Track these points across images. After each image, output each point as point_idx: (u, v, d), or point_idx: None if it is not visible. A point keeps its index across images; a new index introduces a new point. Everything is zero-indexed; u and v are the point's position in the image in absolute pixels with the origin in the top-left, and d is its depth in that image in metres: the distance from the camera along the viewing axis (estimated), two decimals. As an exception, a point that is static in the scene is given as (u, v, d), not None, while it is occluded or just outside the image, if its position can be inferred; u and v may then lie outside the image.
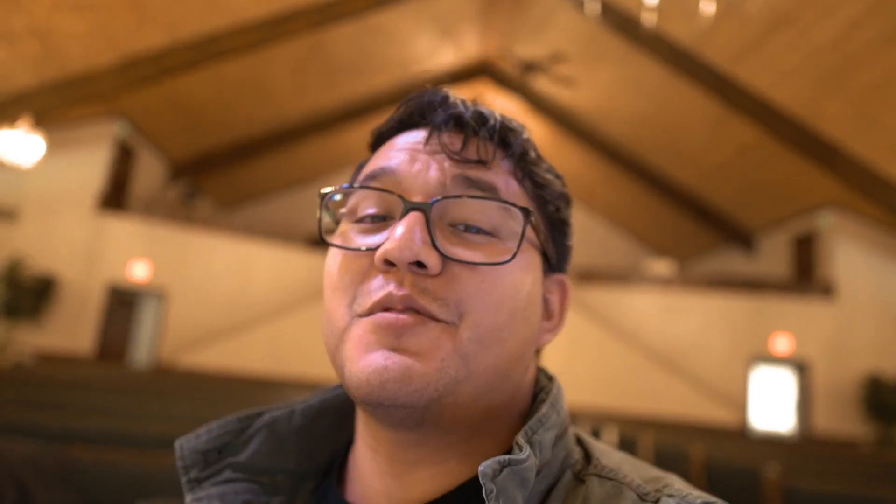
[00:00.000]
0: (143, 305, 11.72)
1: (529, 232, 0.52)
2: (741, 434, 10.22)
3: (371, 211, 0.53)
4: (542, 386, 0.58)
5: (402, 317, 0.46)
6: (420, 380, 0.45)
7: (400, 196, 0.50)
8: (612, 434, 6.84)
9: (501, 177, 0.53)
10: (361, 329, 0.48)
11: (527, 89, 12.81)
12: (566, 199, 0.60)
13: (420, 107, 0.56)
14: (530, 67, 11.17)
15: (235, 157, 13.38)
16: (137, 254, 11.19)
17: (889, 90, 8.20)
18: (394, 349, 0.46)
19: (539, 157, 0.58)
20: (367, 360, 0.46)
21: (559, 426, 0.54)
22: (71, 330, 10.54)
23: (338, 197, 0.56)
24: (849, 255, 11.28)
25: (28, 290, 10.03)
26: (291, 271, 12.08)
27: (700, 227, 13.88)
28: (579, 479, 0.52)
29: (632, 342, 11.75)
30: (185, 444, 0.59)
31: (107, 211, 11.10)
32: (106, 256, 10.99)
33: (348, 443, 0.62)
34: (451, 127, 0.53)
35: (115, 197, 11.38)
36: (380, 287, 0.48)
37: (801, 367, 11.51)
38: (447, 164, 0.52)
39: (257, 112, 12.31)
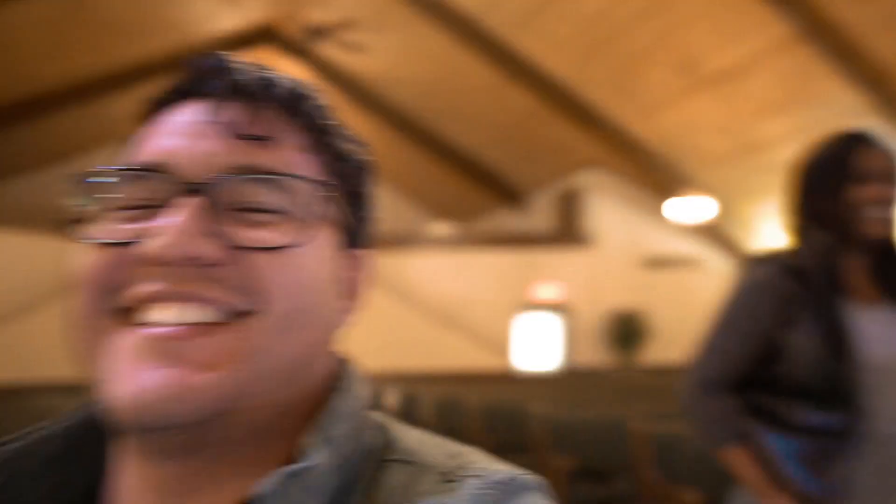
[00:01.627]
0: None
1: (325, 207, 0.47)
2: (511, 377, 11.49)
3: (139, 197, 0.44)
4: (336, 372, 0.50)
5: (176, 329, 0.40)
6: (198, 395, 0.39)
7: (174, 179, 0.43)
8: (394, 395, 7.05)
9: (291, 152, 0.47)
10: (124, 341, 0.41)
11: (313, 56, 12.48)
12: (368, 170, 0.55)
13: (199, 74, 0.48)
14: (318, 32, 10.87)
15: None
16: None
17: (643, 60, 9.41)
18: (165, 365, 0.39)
19: (337, 125, 0.52)
20: (132, 379, 0.39)
21: (356, 415, 0.48)
22: None
23: (98, 180, 0.46)
24: (605, 209, 12.94)
25: None
26: (38, 261, 10.59)
27: (479, 189, 14.80)
28: (380, 467, 0.46)
29: (413, 303, 12.38)
30: None
31: None
32: None
33: (99, 474, 0.50)
34: (233, 98, 0.45)
35: None
36: (144, 283, 0.41)
37: (565, 311, 13.00)
38: (229, 141, 0.44)
39: (5, 75, 10.48)
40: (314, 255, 0.45)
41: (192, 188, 0.41)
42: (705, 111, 9.76)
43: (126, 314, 0.41)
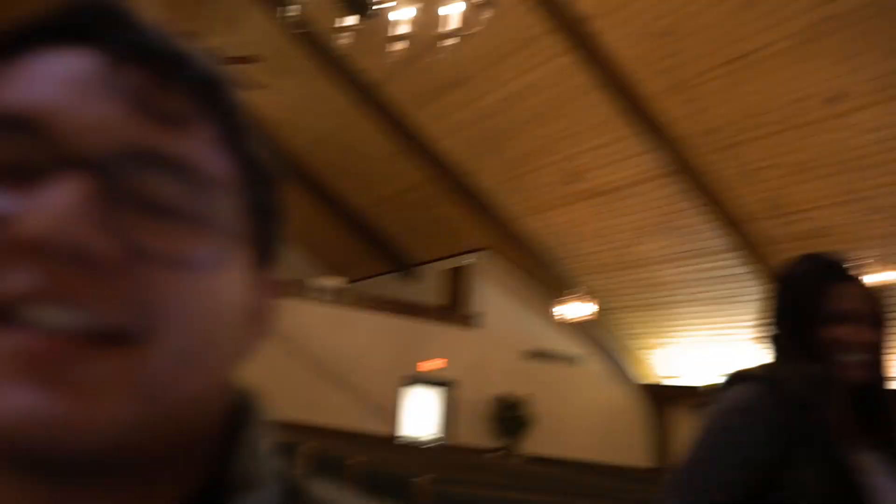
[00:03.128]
0: None
1: (243, 219, 0.38)
2: (394, 443, 11.27)
3: (3, 161, 0.32)
4: (240, 401, 0.42)
5: (60, 339, 0.29)
6: (88, 427, 0.30)
7: (58, 144, 0.31)
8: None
9: (202, 145, 0.35)
10: None
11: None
12: (277, 181, 0.43)
13: (86, 12, 0.36)
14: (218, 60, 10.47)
15: None
16: None
17: (533, 160, 9.58)
18: (48, 383, 0.29)
19: (249, 123, 0.40)
20: (4, 398, 0.29)
21: (271, 454, 0.41)
22: None
23: None
24: (492, 294, 13.09)
25: None
26: None
27: (371, 251, 14.68)
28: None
29: (298, 354, 11.96)
30: None
31: None
32: None
33: None
34: (135, 59, 0.34)
35: None
36: (15, 274, 0.29)
37: (448, 386, 12.94)
38: (130, 111, 0.33)
39: None
40: (228, 277, 0.36)
41: (81, 161, 0.31)
42: (588, 220, 9.96)
43: None
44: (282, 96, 11.30)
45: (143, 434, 0.32)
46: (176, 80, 0.35)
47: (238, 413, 0.41)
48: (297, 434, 8.02)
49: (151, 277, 0.32)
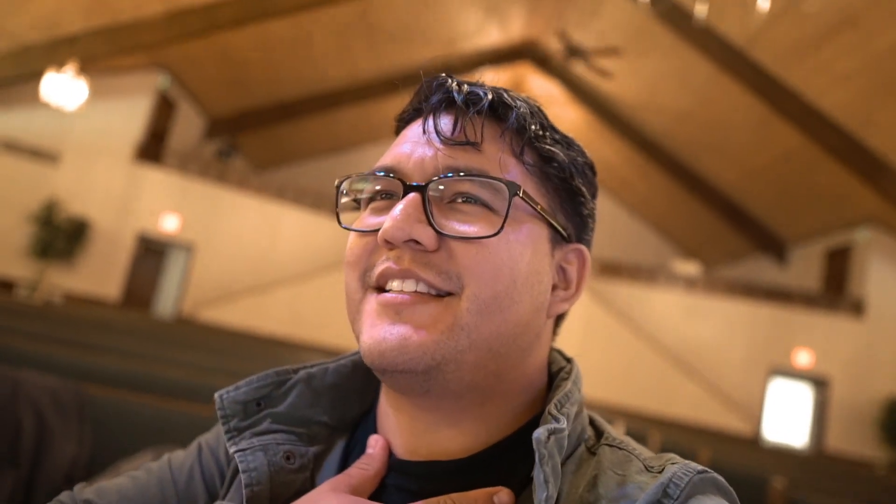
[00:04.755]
0: (171, 257, 11.92)
1: (524, 204, 0.55)
2: (752, 443, 10.12)
3: (381, 192, 0.58)
4: (562, 365, 0.63)
5: (401, 296, 0.52)
6: (416, 349, 0.50)
7: (400, 180, 0.55)
8: (619, 428, 6.82)
9: (493, 155, 0.55)
10: (370, 304, 0.54)
11: (568, 75, 12.63)
12: (581, 169, 0.61)
13: (426, 93, 0.59)
14: (576, 53, 10.96)
15: (273, 118, 13.44)
16: (169, 206, 11.36)
17: None
18: (394, 322, 0.52)
19: (545, 127, 0.59)
20: (372, 332, 0.52)
21: (579, 403, 0.58)
22: (100, 275, 10.78)
23: (354, 184, 0.61)
24: (882, 274, 11.02)
25: (62, 232, 10.26)
26: (318, 237, 12.18)
27: (732, 232, 13.65)
28: (592, 452, 0.56)
29: (649, 340, 11.67)
30: (225, 395, 0.63)
31: (143, 161, 11.27)
32: (139, 206, 11.18)
33: (374, 399, 0.67)
34: (444, 110, 0.57)
35: (153, 148, 11.54)
36: (382, 262, 0.53)
37: (820, 383, 11.33)
38: (441, 148, 0.55)
39: (299, 73, 12.32)
40: (510, 247, 0.53)
41: (412, 186, 0.54)
42: None
43: (374, 288, 0.55)
44: (638, 79, 11.31)
45: (459, 355, 0.51)
46: (468, 116, 0.55)
47: (560, 371, 0.61)
48: (647, 424, 7.80)
49: (453, 252, 0.52)
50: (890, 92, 8.25)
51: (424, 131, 0.57)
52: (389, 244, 0.52)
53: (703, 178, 13.02)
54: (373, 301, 0.54)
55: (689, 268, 13.06)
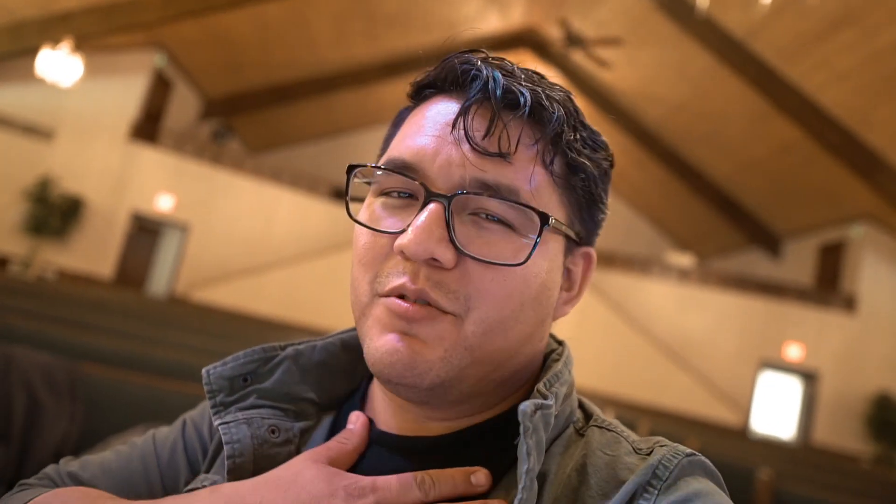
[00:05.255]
0: (165, 237, 11.89)
1: (548, 228, 0.52)
2: (741, 434, 10.21)
3: (397, 189, 0.55)
4: (553, 348, 0.62)
5: (413, 308, 0.50)
6: (424, 365, 0.50)
7: (423, 184, 0.52)
8: (609, 417, 6.83)
9: (524, 169, 0.52)
10: (379, 310, 0.52)
11: (566, 63, 12.59)
12: (605, 173, 0.59)
13: (454, 74, 0.55)
14: (575, 42, 10.91)
15: (269, 101, 13.36)
16: (164, 186, 11.31)
17: None
18: (405, 334, 0.51)
19: (577, 129, 0.56)
20: (382, 340, 0.51)
21: (568, 384, 0.58)
22: (94, 253, 10.74)
23: (369, 175, 0.57)
24: (875, 271, 11.08)
25: (56, 209, 10.21)
26: (313, 220, 12.15)
27: (726, 224, 13.68)
28: (580, 433, 0.56)
29: (642, 331, 11.73)
30: (212, 370, 0.63)
31: (138, 140, 11.20)
32: (133, 185, 11.13)
33: (364, 377, 0.67)
34: (479, 109, 0.52)
35: (148, 127, 11.46)
36: (397, 275, 0.51)
37: (810, 377, 11.41)
38: (470, 154, 0.51)
39: (296, 57, 12.23)
40: (527, 272, 0.52)
41: (437, 197, 0.50)
42: None
43: (382, 290, 0.52)
44: (636, 69, 11.27)
45: (462, 372, 0.51)
46: (504, 121, 0.52)
47: (552, 353, 0.61)
48: (637, 414, 7.87)
49: (472, 273, 0.50)
50: (889, 90, 8.24)
51: (454, 127, 0.52)
52: (408, 255, 0.50)
53: (698, 170, 13.02)
54: (381, 305, 0.52)
55: (683, 259, 13.11)
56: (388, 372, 0.51)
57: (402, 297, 0.51)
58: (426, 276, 0.50)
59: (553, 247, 0.55)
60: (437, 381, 0.50)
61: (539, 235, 0.51)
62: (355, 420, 0.59)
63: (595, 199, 0.58)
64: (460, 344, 0.50)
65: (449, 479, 0.51)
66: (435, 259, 0.49)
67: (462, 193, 0.51)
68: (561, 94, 0.56)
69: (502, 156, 0.51)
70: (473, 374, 0.52)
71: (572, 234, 0.57)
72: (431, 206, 0.50)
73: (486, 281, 0.50)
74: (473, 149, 0.51)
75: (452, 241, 0.50)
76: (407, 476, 0.51)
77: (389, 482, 0.50)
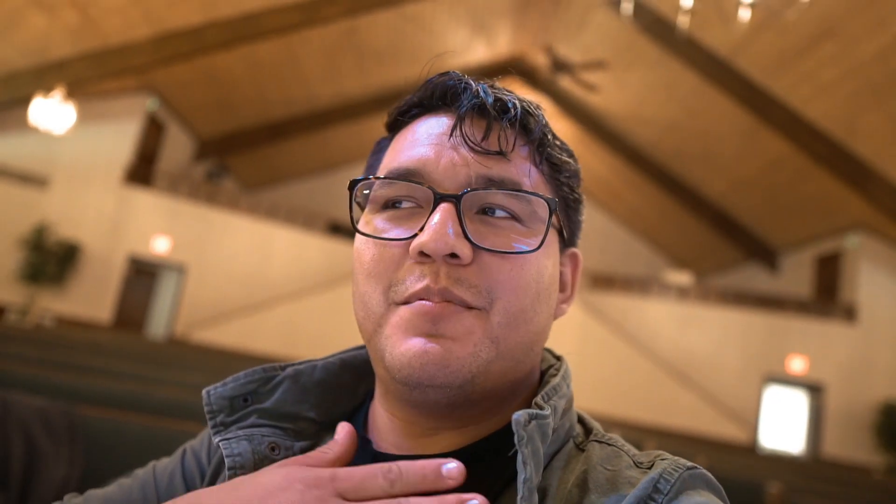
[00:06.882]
0: (163, 279, 11.86)
1: (549, 217, 0.55)
2: (749, 450, 10.10)
3: (399, 199, 0.56)
4: (551, 363, 0.63)
5: (440, 305, 0.50)
6: (457, 363, 0.50)
7: (430, 188, 0.53)
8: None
9: (522, 166, 0.55)
10: (400, 316, 0.52)
11: (555, 89, 12.72)
12: (579, 177, 0.63)
13: (442, 91, 0.57)
14: (562, 67, 11.05)
15: (263, 139, 13.45)
16: (160, 228, 11.33)
17: None
18: (431, 335, 0.50)
19: (555, 138, 0.60)
20: (408, 345, 0.51)
21: (567, 399, 0.58)
22: (91, 298, 10.71)
23: (371, 188, 0.58)
24: (873, 279, 11.08)
25: (52, 256, 10.21)
26: (310, 256, 12.15)
27: (723, 241, 13.72)
28: (580, 448, 0.56)
29: (644, 351, 11.66)
30: (212, 391, 0.63)
31: (133, 183, 11.25)
32: (129, 228, 11.14)
33: (366, 396, 0.67)
34: (474, 116, 0.55)
35: (142, 170, 11.52)
36: (417, 279, 0.51)
37: (815, 389, 11.35)
38: (471, 156, 0.54)
39: (288, 94, 12.35)
40: (541, 261, 0.54)
41: (448, 196, 0.52)
42: None
43: (401, 298, 0.52)
44: (624, 92, 11.39)
45: (488, 367, 0.51)
46: (499, 124, 0.55)
47: (549, 368, 0.61)
48: (643, 435, 7.77)
49: (489, 266, 0.51)
50: (873, 99, 8.33)
51: (451, 135, 0.55)
52: (426, 256, 0.51)
53: (692, 189, 13.09)
54: (402, 311, 0.52)
55: (681, 278, 13.12)
56: (418, 374, 0.50)
57: (423, 299, 0.51)
58: (447, 275, 0.51)
59: (554, 242, 0.57)
60: (469, 377, 0.50)
61: (549, 219, 0.54)
62: (340, 430, 0.57)
63: (577, 199, 0.62)
64: (487, 336, 0.51)
65: (418, 469, 0.48)
66: (454, 255, 0.51)
67: (470, 191, 0.52)
68: (535, 105, 0.60)
69: (502, 153, 0.54)
70: (497, 369, 0.52)
71: (565, 232, 0.60)
72: (443, 205, 0.51)
73: (505, 272, 0.52)
74: (473, 150, 0.54)
75: (467, 237, 0.51)
76: (373, 466, 0.49)
77: (352, 472, 0.48)
